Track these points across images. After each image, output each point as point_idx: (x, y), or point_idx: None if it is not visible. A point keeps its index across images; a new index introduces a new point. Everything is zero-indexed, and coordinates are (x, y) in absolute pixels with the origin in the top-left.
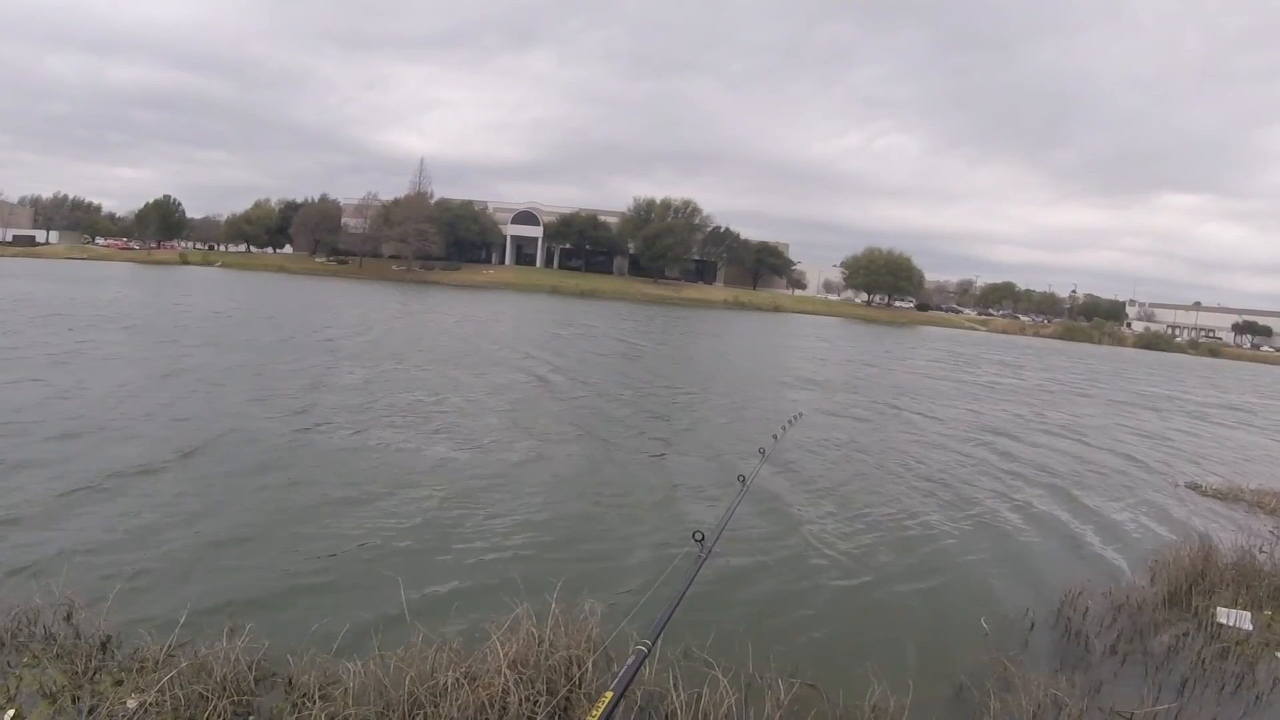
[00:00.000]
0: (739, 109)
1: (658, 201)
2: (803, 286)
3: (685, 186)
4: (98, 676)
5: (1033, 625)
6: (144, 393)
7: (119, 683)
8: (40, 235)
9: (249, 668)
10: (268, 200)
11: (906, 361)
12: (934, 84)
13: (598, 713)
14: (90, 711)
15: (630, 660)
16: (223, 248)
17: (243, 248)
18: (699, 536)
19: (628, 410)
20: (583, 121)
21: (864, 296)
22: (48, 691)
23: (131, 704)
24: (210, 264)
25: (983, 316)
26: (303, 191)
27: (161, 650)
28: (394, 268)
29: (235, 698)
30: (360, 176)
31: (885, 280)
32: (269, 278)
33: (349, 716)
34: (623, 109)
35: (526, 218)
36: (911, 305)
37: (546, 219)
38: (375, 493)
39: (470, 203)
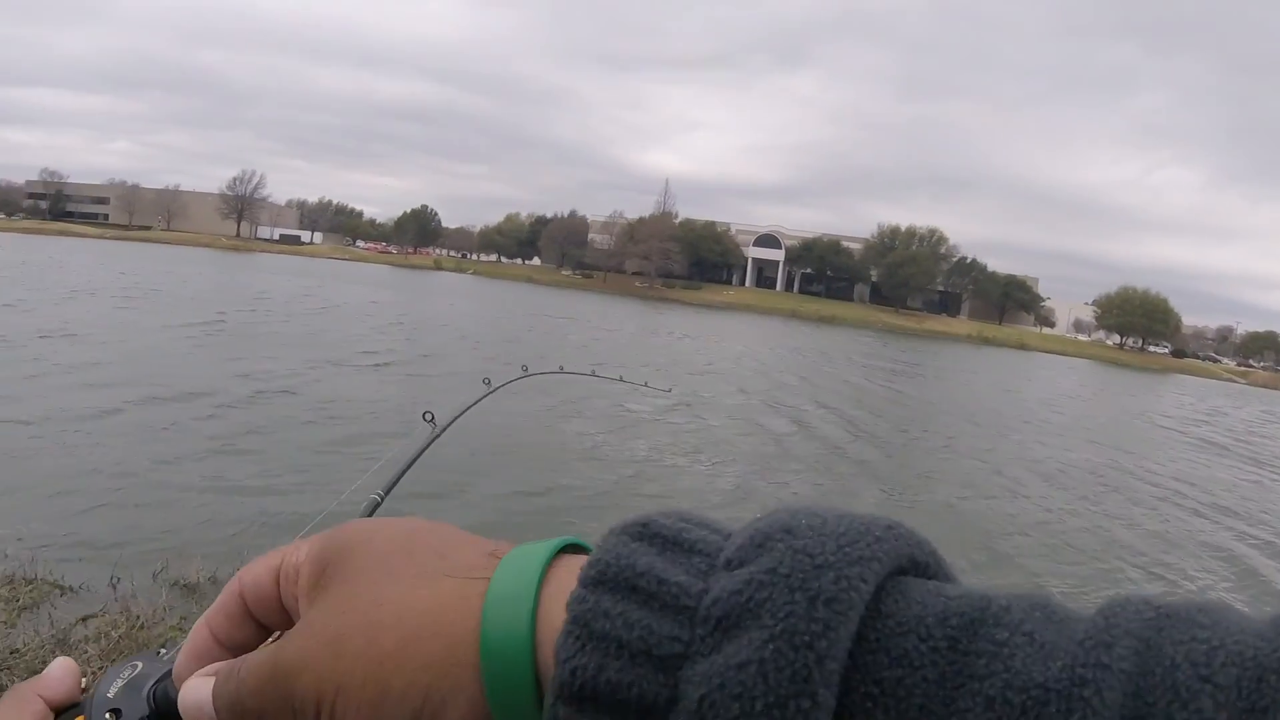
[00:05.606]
0: (1006, 134)
1: (902, 229)
2: (1051, 324)
3: (940, 214)
4: None
5: None
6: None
7: None
8: (304, 235)
9: None
10: (518, 214)
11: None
12: (1217, 112)
13: None
14: None
15: None
16: (475, 256)
17: (493, 257)
18: (429, 416)
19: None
20: (844, 145)
21: (1115, 338)
22: None
23: None
24: (462, 271)
25: (1242, 367)
26: (553, 206)
27: None
28: (636, 284)
29: None
30: (613, 194)
31: (1140, 322)
32: (522, 286)
33: None
34: (885, 133)
35: (768, 241)
36: (1166, 350)
37: (788, 243)
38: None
39: (713, 224)
